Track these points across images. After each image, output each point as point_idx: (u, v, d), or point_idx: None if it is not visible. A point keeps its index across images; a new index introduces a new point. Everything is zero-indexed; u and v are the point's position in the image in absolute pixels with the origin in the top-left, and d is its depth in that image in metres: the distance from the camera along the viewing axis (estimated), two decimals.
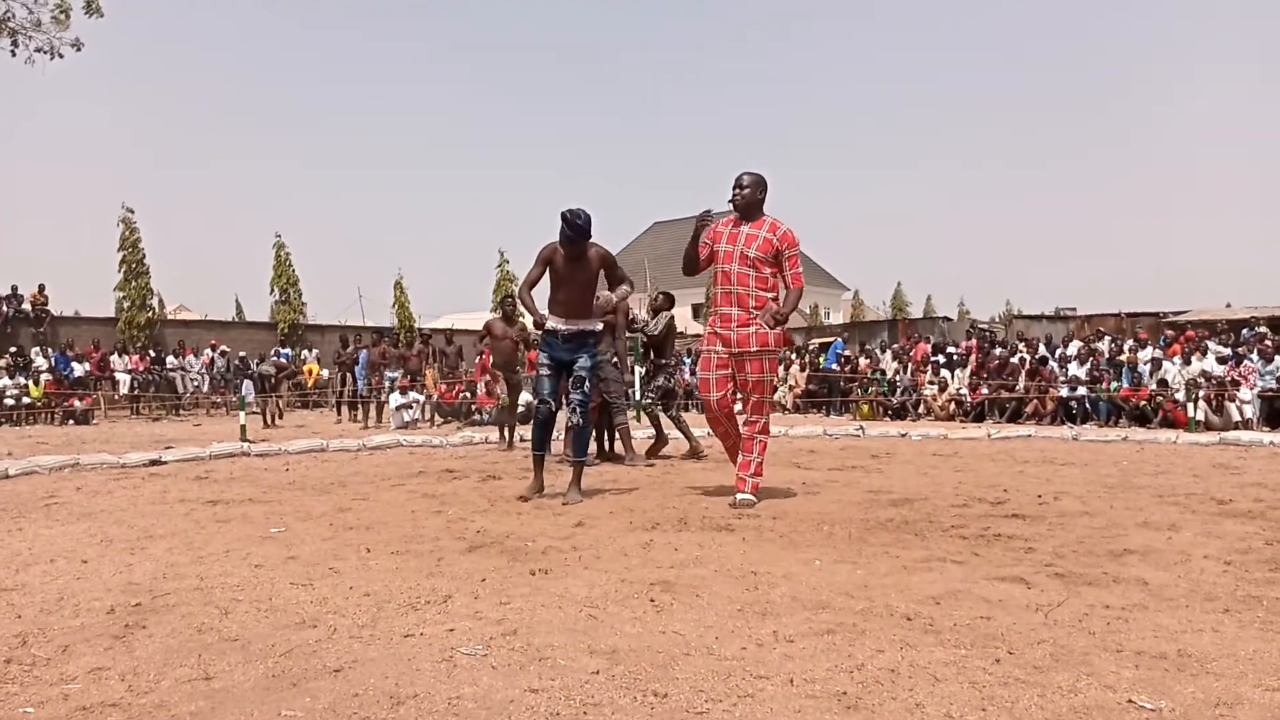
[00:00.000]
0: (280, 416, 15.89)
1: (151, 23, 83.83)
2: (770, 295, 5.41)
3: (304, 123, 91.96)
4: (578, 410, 5.66)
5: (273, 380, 17.37)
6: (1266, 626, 2.80)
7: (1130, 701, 2.18)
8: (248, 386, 16.87)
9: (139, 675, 2.47)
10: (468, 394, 16.46)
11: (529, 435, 6.30)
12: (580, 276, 5.59)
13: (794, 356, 20.59)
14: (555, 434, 6.74)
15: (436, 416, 15.84)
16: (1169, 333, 17.79)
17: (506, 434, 10.12)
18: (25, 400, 17.60)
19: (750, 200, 5.44)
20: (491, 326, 10.26)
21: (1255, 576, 3.47)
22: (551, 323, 5.61)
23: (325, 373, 22.10)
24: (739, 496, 5.29)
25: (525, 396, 13.95)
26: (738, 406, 5.78)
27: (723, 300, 5.47)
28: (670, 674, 2.41)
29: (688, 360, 20.41)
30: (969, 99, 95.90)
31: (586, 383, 5.65)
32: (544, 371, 5.66)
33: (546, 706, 2.20)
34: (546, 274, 5.65)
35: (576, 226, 5.46)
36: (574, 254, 5.54)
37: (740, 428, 5.57)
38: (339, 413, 17.50)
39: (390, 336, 22.56)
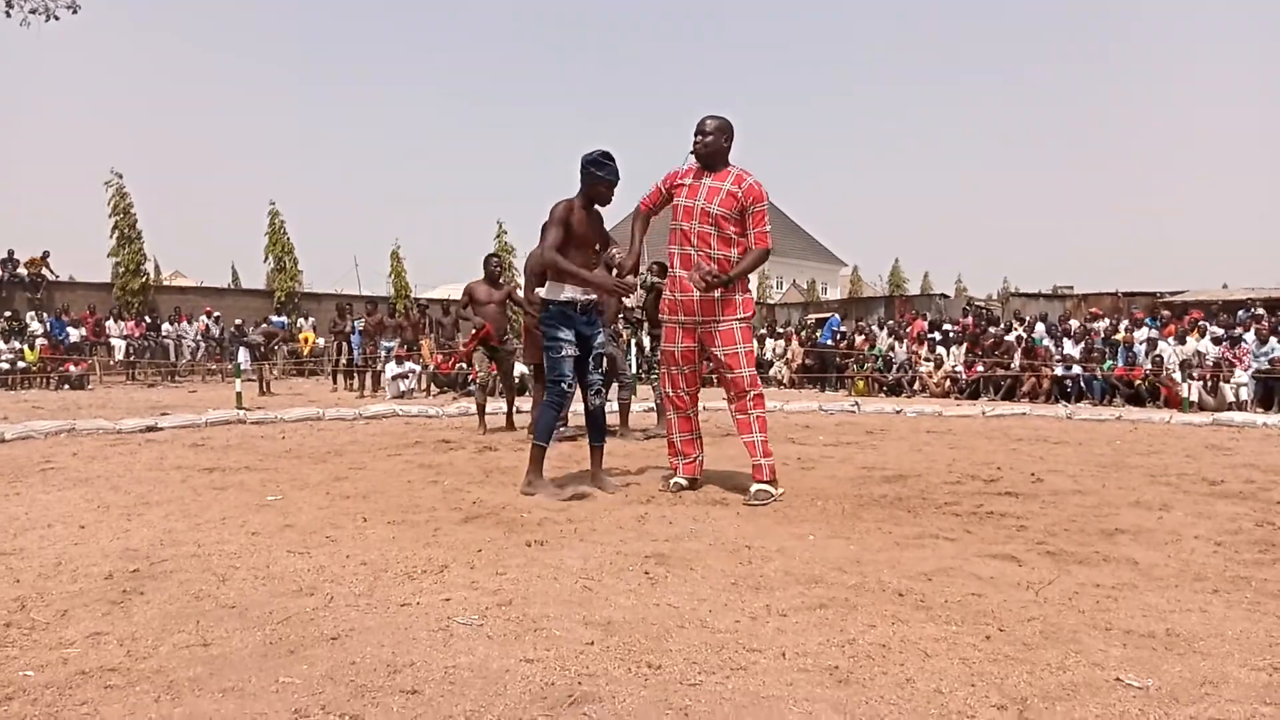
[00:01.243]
0: (269, 386, 15.79)
1: None
2: (738, 254, 4.82)
3: (301, 90, 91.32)
4: (601, 391, 5.17)
5: (261, 348, 17.32)
6: (1254, 607, 2.83)
7: (1118, 679, 2.21)
8: (244, 354, 16.85)
9: (137, 641, 2.49)
10: (464, 364, 16.47)
11: (527, 412, 5.68)
12: (596, 237, 5.05)
13: (792, 332, 20.63)
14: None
15: (432, 387, 15.85)
16: (1165, 313, 17.82)
17: (504, 412, 9.01)
18: (20, 365, 17.59)
19: (714, 148, 4.85)
20: (474, 290, 8.72)
21: (1244, 557, 3.50)
22: (569, 292, 4.88)
23: (321, 341, 22.09)
24: (754, 489, 4.70)
25: (519, 368, 13.82)
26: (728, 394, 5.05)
27: (680, 262, 4.91)
28: (664, 646, 2.44)
29: None
30: (968, 75, 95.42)
31: (604, 360, 5.19)
32: (567, 351, 4.88)
33: (542, 676, 2.22)
34: None
35: (615, 170, 4.88)
36: (593, 211, 4.96)
37: (732, 413, 4.99)
38: (335, 381, 17.50)
39: (386, 306, 22.54)
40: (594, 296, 4.99)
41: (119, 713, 2.03)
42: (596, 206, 4.98)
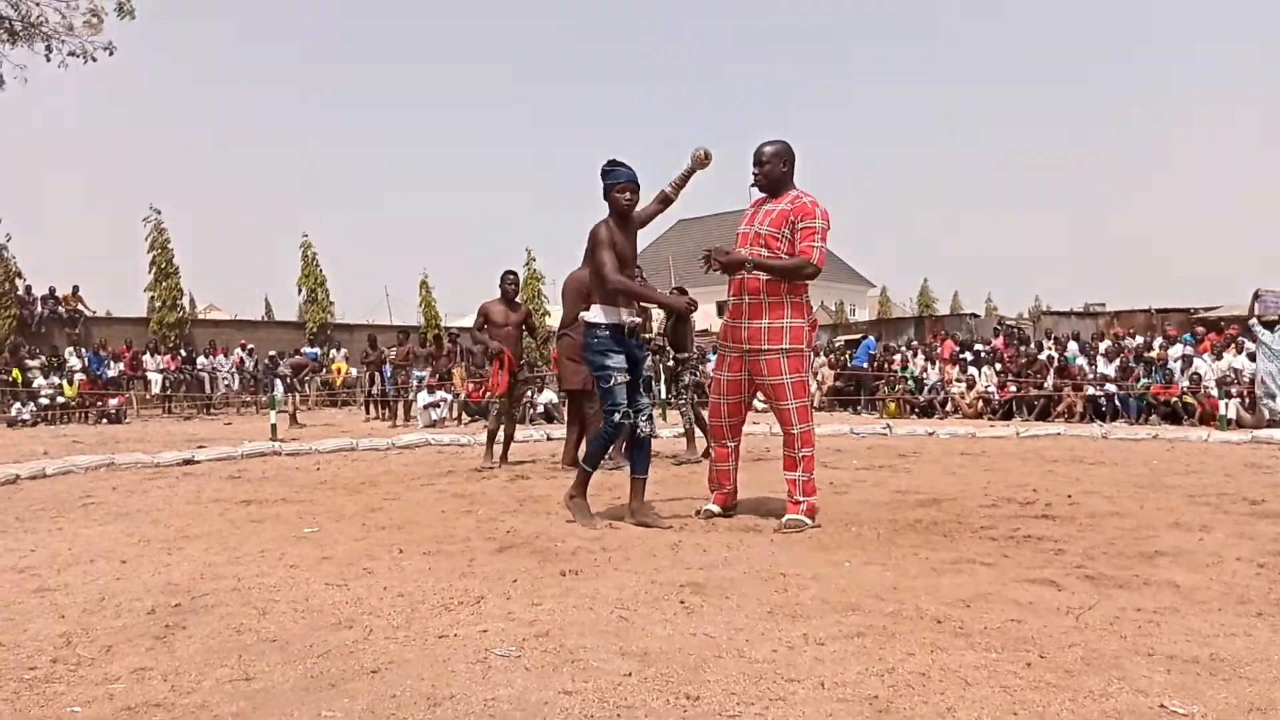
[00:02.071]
0: (297, 417, 15.84)
1: (182, 22, 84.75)
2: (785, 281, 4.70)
3: (332, 123, 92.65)
4: (651, 418, 4.92)
5: (288, 380, 17.48)
6: None
7: (1162, 706, 2.18)
8: (279, 386, 17.02)
9: (181, 675, 2.53)
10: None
11: (585, 451, 5.04)
12: (633, 250, 4.86)
13: (824, 354, 20.57)
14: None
15: (464, 415, 15.94)
16: (1200, 329, 17.60)
17: (499, 446, 8.15)
18: (60, 400, 17.87)
19: (774, 175, 4.75)
20: (490, 311, 8.00)
21: None
22: (624, 314, 4.72)
23: (354, 371, 22.27)
24: (787, 517, 4.65)
25: (549, 396, 13.78)
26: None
27: (733, 289, 4.81)
28: (701, 676, 2.44)
29: (712, 357, 20.42)
30: (996, 93, 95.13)
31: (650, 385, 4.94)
32: (618, 379, 4.67)
33: (580, 709, 2.23)
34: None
35: (625, 171, 4.77)
36: (628, 229, 4.82)
37: (782, 445, 4.84)
38: (367, 411, 17.65)
39: (418, 336, 22.73)
40: (640, 319, 4.84)
41: None
42: (629, 221, 4.84)
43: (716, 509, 5.02)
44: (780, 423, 4.78)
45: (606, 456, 7.66)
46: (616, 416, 4.69)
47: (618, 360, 4.70)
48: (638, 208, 4.84)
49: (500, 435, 8.18)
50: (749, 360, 4.77)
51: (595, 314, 4.74)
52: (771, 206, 4.73)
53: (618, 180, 4.74)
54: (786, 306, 4.69)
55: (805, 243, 4.60)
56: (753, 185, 4.84)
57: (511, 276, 8.23)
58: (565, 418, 8.23)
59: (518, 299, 8.32)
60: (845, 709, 2.20)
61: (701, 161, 4.76)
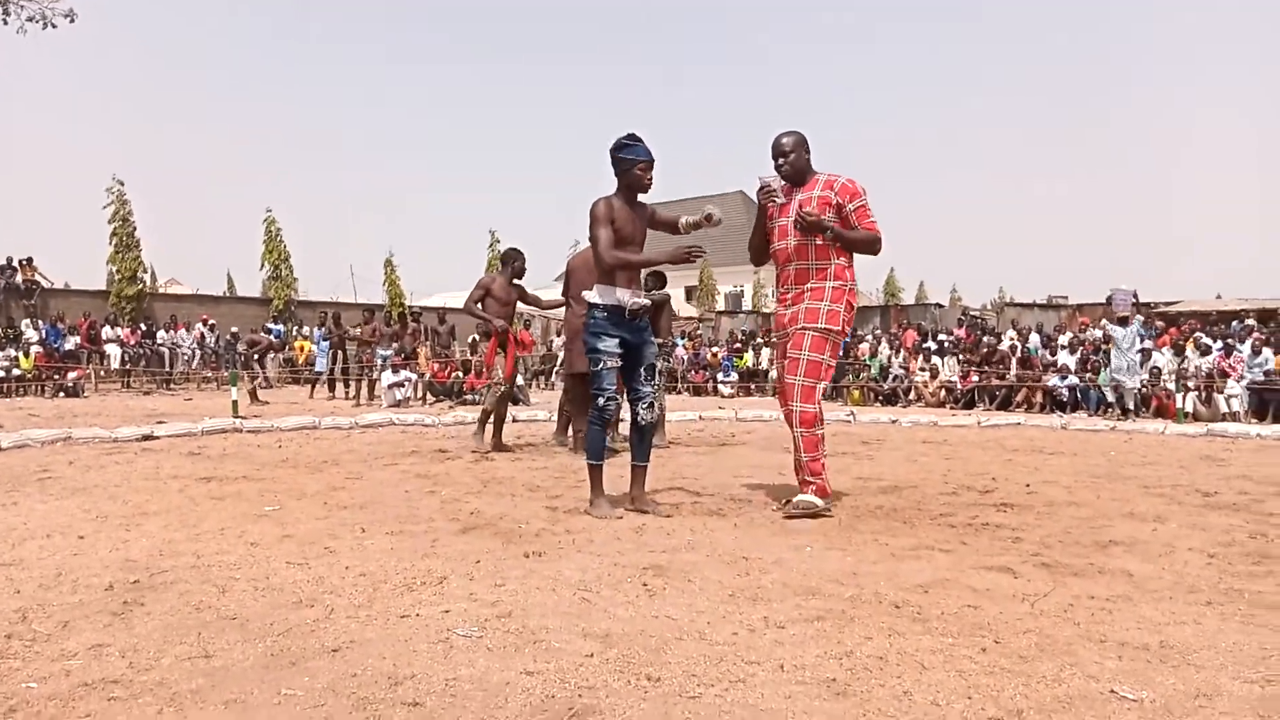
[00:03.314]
0: (256, 394, 15.62)
1: None
2: (836, 263, 4.68)
3: (296, 98, 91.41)
4: (652, 405, 4.74)
5: (244, 357, 17.27)
6: (1248, 620, 2.85)
7: (1113, 692, 2.23)
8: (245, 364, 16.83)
9: (139, 652, 2.50)
10: (460, 373, 16.50)
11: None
12: (642, 233, 4.75)
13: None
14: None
15: (429, 395, 15.85)
16: (1159, 324, 17.89)
17: (491, 426, 7.84)
18: (15, 372, 17.56)
19: (798, 165, 4.74)
20: (491, 285, 7.65)
21: (1238, 570, 3.53)
22: (622, 294, 4.57)
23: (316, 349, 22.05)
24: (796, 498, 4.61)
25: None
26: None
27: (781, 279, 4.83)
28: (663, 658, 2.46)
29: (680, 341, 20.51)
30: (963, 85, 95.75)
31: (655, 371, 4.81)
32: (608, 362, 4.56)
33: (542, 689, 2.24)
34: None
35: (644, 149, 4.65)
36: (637, 206, 4.71)
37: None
38: (330, 389, 17.51)
39: (383, 314, 22.54)
40: (646, 302, 4.67)
41: None
42: (639, 199, 4.73)
43: (814, 500, 4.69)
44: (784, 399, 4.73)
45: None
46: (601, 400, 4.59)
47: (610, 344, 4.57)
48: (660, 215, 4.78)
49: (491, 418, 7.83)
50: (792, 340, 4.71)
51: (593, 294, 4.61)
52: (805, 194, 4.69)
53: (639, 158, 4.61)
54: (827, 291, 4.66)
55: (866, 221, 4.65)
56: (776, 174, 4.77)
57: (515, 254, 7.90)
58: (561, 399, 7.94)
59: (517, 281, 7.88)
60: (804, 691, 2.23)
61: (711, 221, 4.63)
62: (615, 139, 4.64)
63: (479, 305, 7.63)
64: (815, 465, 4.62)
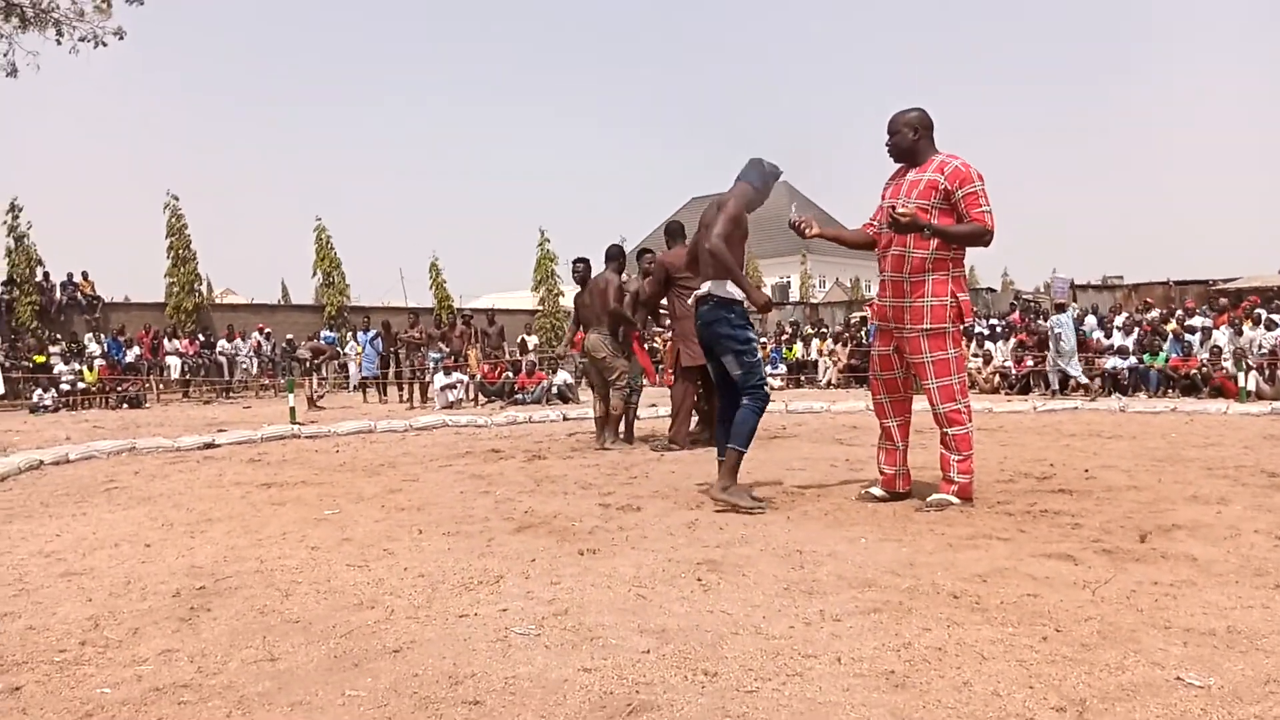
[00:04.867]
0: (315, 401, 15.92)
1: (194, 7, 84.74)
2: (939, 255, 4.44)
3: (345, 107, 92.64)
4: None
5: (307, 364, 17.57)
6: None
7: (1179, 679, 2.19)
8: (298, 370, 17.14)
9: (207, 656, 2.57)
10: (510, 373, 16.63)
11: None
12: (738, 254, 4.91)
13: (839, 330, 20.50)
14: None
15: (480, 396, 15.99)
16: (1221, 300, 17.47)
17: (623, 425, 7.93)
18: (81, 385, 18.02)
19: (904, 145, 4.55)
20: (635, 288, 7.85)
21: None
22: (733, 289, 4.71)
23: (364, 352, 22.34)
24: (932, 496, 4.55)
25: (564, 376, 13.74)
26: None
27: (880, 265, 4.64)
28: (719, 653, 2.46)
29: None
30: (1011, 65, 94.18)
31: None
32: (760, 353, 4.81)
33: (600, 686, 2.26)
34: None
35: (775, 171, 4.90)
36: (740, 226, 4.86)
37: (932, 422, 4.70)
38: (383, 394, 17.76)
39: (433, 317, 22.77)
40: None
41: None
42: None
43: (879, 492, 4.78)
44: (931, 402, 4.59)
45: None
46: (765, 388, 4.73)
47: (754, 331, 4.83)
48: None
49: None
50: (896, 338, 4.63)
51: (731, 289, 4.67)
52: (917, 176, 4.49)
53: (768, 191, 4.93)
54: (928, 284, 4.46)
55: (975, 210, 4.35)
56: (799, 218, 4.76)
57: (648, 257, 8.08)
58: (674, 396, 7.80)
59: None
60: (862, 683, 2.22)
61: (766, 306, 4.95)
62: (771, 163, 4.89)
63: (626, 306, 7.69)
64: (964, 465, 4.53)
